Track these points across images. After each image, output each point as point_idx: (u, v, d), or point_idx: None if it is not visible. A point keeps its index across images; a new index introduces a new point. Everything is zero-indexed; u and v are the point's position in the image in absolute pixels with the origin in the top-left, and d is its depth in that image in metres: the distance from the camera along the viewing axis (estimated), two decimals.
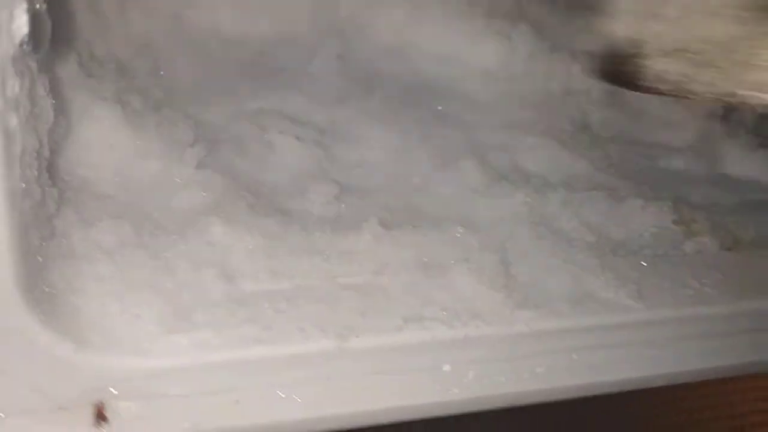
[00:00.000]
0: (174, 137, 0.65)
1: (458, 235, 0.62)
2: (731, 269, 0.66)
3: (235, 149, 0.69)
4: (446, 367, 0.56)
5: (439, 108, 0.84)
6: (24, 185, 0.47)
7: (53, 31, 0.48)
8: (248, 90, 0.78)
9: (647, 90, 0.53)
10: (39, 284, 0.50)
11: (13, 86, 0.44)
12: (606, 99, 0.87)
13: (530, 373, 0.57)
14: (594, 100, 0.87)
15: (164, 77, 0.73)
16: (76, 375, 0.49)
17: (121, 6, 0.77)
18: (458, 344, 0.56)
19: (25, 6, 0.43)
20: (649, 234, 0.68)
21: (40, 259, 0.51)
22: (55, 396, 0.48)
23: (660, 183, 0.75)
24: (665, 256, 0.66)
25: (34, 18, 0.44)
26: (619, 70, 0.54)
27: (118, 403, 0.49)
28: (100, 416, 0.49)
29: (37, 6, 0.45)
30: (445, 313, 0.57)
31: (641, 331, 0.60)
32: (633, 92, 0.80)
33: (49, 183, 0.52)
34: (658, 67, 0.52)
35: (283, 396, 0.52)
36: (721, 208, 0.74)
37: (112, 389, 0.49)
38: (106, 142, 0.62)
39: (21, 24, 0.43)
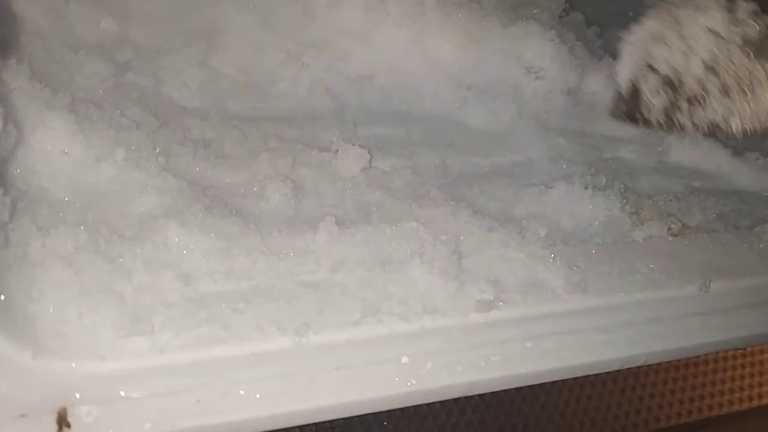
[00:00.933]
0: (128, 143, 0.65)
1: (412, 230, 0.63)
2: (679, 254, 0.69)
3: (190, 152, 0.69)
4: (404, 359, 0.57)
5: None
6: None
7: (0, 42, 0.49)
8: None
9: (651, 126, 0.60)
10: None
11: None
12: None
13: (486, 362, 0.58)
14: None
15: (120, 85, 0.73)
16: (36, 382, 0.49)
17: (72, 16, 0.77)
18: (415, 336, 0.58)
19: None
20: (598, 223, 0.70)
21: None
22: (16, 404, 0.49)
23: (608, 173, 0.77)
24: (614, 243, 0.68)
25: None
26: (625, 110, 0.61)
27: (80, 408, 0.50)
28: (63, 422, 0.49)
29: None
30: (401, 306, 0.58)
31: (592, 318, 0.62)
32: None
33: (1, 192, 0.52)
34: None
35: (243, 394, 0.53)
36: (668, 196, 0.76)
37: (73, 394, 0.50)
38: (59, 150, 0.62)
39: None
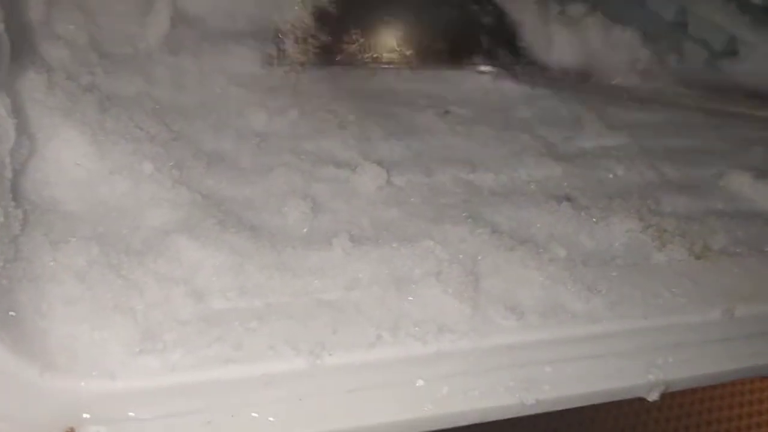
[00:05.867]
0: (142, 155, 0.65)
1: (428, 249, 0.62)
2: (702, 278, 0.67)
3: (204, 165, 0.68)
4: (420, 383, 0.55)
5: None
6: None
7: (13, 51, 0.48)
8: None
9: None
10: (3, 308, 0.49)
11: None
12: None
13: (505, 387, 0.57)
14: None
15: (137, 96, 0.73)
16: (45, 400, 0.48)
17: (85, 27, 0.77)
18: (431, 359, 0.56)
19: None
20: (619, 244, 0.69)
21: (5, 282, 0.50)
22: (24, 423, 0.47)
23: (628, 193, 0.76)
24: (635, 265, 0.67)
25: None
26: None
27: (89, 428, 0.48)
28: None
29: None
30: (417, 328, 0.57)
31: (614, 342, 0.61)
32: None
33: (13, 204, 0.52)
34: None
35: (256, 416, 0.51)
36: (690, 217, 0.74)
37: (82, 414, 0.49)
38: (72, 162, 0.61)
39: None
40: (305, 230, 0.64)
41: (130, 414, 0.49)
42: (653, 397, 0.62)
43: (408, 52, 0.91)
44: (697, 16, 1.13)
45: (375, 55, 0.90)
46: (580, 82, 0.95)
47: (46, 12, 0.72)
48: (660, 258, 0.68)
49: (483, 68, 0.94)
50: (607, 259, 0.66)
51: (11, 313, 0.50)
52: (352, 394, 0.54)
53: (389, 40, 0.91)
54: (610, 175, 0.79)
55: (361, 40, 0.89)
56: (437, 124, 0.82)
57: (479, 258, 0.62)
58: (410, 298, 0.58)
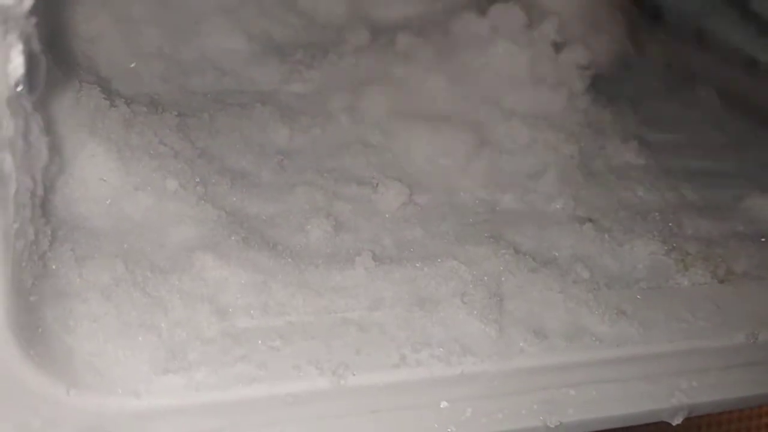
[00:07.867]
0: (167, 172, 0.65)
1: (452, 269, 0.62)
2: (725, 301, 0.67)
3: (228, 182, 0.68)
4: (443, 404, 0.55)
5: None
6: (17, 225, 0.47)
7: (48, 70, 0.48)
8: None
9: None
10: (31, 324, 0.49)
11: (8, 128, 0.43)
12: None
13: (528, 410, 0.57)
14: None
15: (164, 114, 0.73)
16: (70, 417, 0.48)
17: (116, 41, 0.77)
18: (455, 381, 0.56)
19: (21, 47, 0.43)
20: (642, 266, 0.68)
21: (33, 298, 0.50)
22: None
23: (650, 214, 0.75)
24: (659, 288, 0.67)
25: (30, 59, 0.44)
26: None
27: None
28: None
29: (33, 47, 0.45)
30: (441, 349, 0.56)
31: (637, 366, 0.60)
32: None
33: (43, 221, 0.52)
34: None
35: None
36: (712, 240, 0.74)
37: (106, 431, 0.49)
38: (97, 178, 0.61)
39: (17, 65, 0.42)
40: (328, 248, 0.64)
41: None
42: (677, 421, 0.61)
43: None
44: (716, 36, 1.13)
45: None
46: None
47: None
48: (683, 281, 0.68)
49: None
50: (630, 282, 0.66)
51: (38, 329, 0.50)
52: (375, 415, 0.54)
53: None
54: (632, 196, 0.79)
55: None
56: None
57: (503, 279, 0.62)
58: (433, 319, 0.58)
